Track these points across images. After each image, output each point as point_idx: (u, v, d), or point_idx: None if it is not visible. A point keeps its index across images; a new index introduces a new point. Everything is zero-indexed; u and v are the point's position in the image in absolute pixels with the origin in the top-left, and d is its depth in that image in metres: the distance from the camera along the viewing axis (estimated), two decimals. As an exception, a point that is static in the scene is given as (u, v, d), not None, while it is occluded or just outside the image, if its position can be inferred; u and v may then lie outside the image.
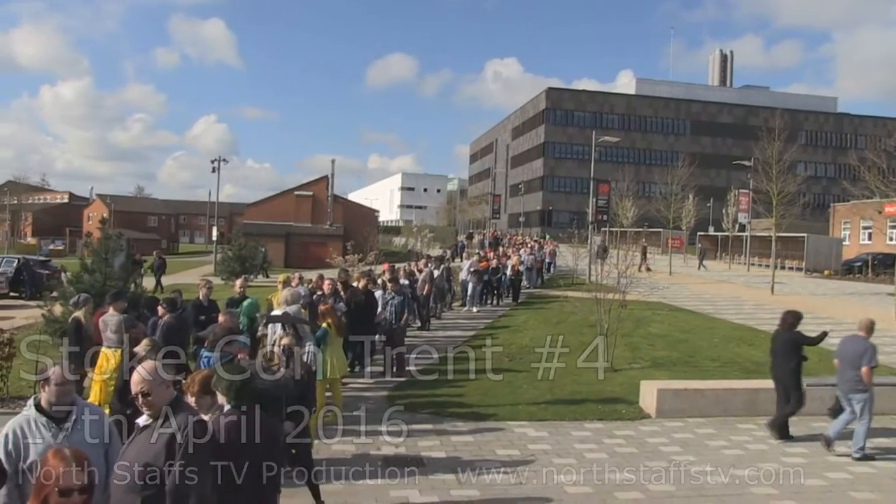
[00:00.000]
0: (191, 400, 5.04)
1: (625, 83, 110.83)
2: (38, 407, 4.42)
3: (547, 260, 36.14)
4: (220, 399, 4.69)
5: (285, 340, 7.19)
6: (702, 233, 57.87)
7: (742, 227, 49.54)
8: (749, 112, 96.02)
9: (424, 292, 19.26)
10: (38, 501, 2.90)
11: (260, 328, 10.49)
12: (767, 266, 39.88)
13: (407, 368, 14.01)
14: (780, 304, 26.08)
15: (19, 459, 4.27)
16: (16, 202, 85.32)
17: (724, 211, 53.31)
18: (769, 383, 12.20)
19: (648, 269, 39.24)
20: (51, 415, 4.38)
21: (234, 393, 4.58)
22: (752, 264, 46.22)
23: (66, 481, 2.88)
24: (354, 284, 14.51)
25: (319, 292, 13.44)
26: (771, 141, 30.56)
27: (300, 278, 14.54)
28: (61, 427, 4.37)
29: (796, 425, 10.98)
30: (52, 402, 4.38)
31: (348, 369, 13.65)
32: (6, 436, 4.33)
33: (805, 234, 43.83)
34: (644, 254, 41.75)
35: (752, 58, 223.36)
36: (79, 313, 10.05)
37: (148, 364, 4.26)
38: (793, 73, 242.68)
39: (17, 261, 29.54)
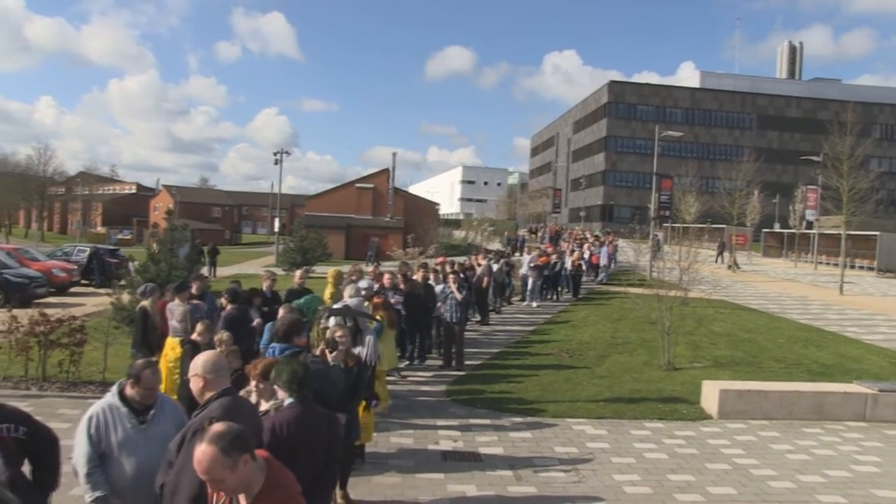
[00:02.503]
0: (252, 384, 5.15)
1: (687, 76, 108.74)
2: (121, 397, 4.56)
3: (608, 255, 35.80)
4: (280, 393, 4.74)
5: (338, 333, 7.24)
6: (767, 230, 56.56)
7: (809, 225, 48.26)
8: (818, 105, 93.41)
9: (483, 285, 19.24)
10: None
11: (322, 321, 10.60)
12: (836, 265, 38.80)
13: (466, 362, 14.02)
14: (849, 304, 25.42)
15: (100, 443, 4.46)
16: (87, 192, 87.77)
17: (790, 207, 52.03)
18: (837, 386, 11.94)
19: (732, 267, 38.49)
20: (133, 407, 4.54)
21: (295, 385, 4.62)
22: (820, 263, 44.97)
23: None
24: (414, 277, 14.55)
25: (378, 285, 13.52)
26: (842, 135, 29.69)
27: (360, 271, 14.63)
28: (141, 420, 4.52)
29: (867, 432, 10.70)
30: (137, 401, 4.55)
31: (406, 362, 13.80)
32: (92, 418, 4.50)
33: (877, 233, 42.37)
34: (723, 250, 40.91)
35: (821, 48, 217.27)
36: (145, 302, 10.30)
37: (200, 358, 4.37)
38: (864, 64, 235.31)
39: (88, 250, 30.41)
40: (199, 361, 4.29)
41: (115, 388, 4.65)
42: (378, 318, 10.23)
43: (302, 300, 11.83)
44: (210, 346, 8.11)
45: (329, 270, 13.33)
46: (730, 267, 38.63)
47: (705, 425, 10.77)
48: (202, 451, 2.92)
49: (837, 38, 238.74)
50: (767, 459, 9.19)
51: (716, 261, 38.37)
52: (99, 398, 10.37)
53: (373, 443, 8.57)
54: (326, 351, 6.94)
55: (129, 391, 4.55)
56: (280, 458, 3.45)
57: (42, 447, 4.28)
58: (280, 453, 4.20)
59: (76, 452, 4.47)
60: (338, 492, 6.79)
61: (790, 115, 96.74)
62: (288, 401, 4.67)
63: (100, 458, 4.45)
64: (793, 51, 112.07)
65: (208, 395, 4.17)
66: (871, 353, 16.55)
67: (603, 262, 30.34)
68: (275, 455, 3.45)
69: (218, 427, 3.03)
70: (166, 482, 3.90)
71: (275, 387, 4.79)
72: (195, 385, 4.25)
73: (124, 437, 4.44)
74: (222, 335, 7.85)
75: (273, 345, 6.63)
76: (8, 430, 4.11)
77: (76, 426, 8.82)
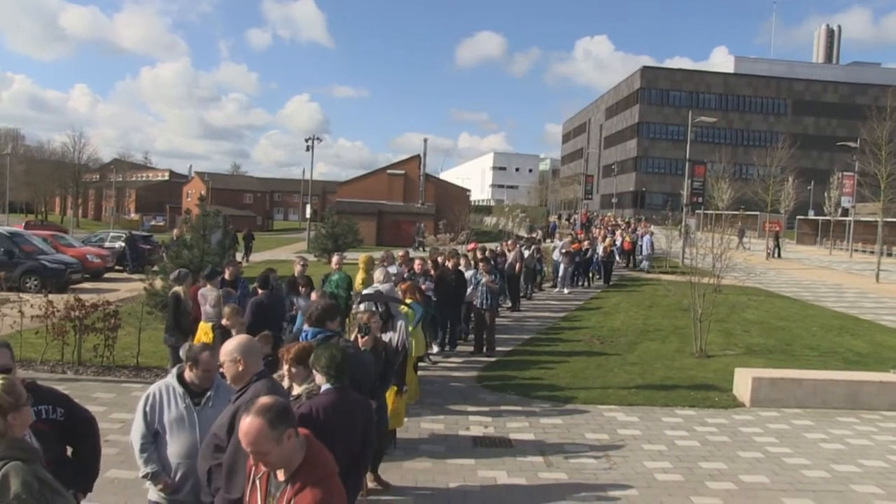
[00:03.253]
0: (285, 368, 5.17)
1: (721, 61, 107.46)
2: (180, 378, 4.66)
3: (639, 242, 35.57)
4: (318, 378, 4.74)
5: (364, 318, 7.25)
6: (801, 217, 55.79)
7: (845, 212, 47.50)
8: (856, 90, 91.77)
9: (515, 272, 19.19)
10: None
11: (354, 306, 10.64)
12: (872, 252, 38.19)
13: (496, 349, 14.01)
14: (885, 292, 25.02)
15: (154, 421, 4.57)
16: (121, 179, 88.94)
17: (825, 194, 51.24)
18: (873, 376, 11.77)
19: (771, 253, 38.16)
20: (190, 389, 4.64)
21: (333, 370, 4.62)
22: (856, 250, 44.30)
23: None
24: (445, 264, 14.55)
25: (408, 271, 13.53)
26: (881, 120, 29.14)
27: (391, 256, 14.64)
28: (196, 401, 4.62)
29: (903, 420, 10.54)
30: (196, 383, 4.64)
31: (437, 348, 13.82)
32: (148, 397, 4.63)
33: (916, 220, 41.62)
34: (742, 237, 40.46)
35: (861, 31, 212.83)
36: (178, 288, 10.40)
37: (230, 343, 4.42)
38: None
39: (124, 236, 30.78)
40: (234, 345, 4.33)
41: (174, 371, 4.76)
42: (408, 302, 10.21)
43: (335, 276, 11.97)
44: (238, 330, 8.21)
45: (360, 256, 13.36)
46: (769, 255, 38.27)
47: (738, 413, 10.67)
48: (249, 423, 2.96)
49: (877, 20, 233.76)
50: (801, 448, 9.09)
51: (768, 256, 38.16)
52: (132, 382, 10.59)
53: (404, 428, 8.60)
54: (359, 336, 6.95)
55: (187, 374, 4.65)
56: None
57: (81, 429, 4.34)
58: (320, 439, 4.21)
59: (133, 428, 4.63)
60: (369, 475, 6.83)
61: (827, 100, 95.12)
62: (325, 386, 4.67)
63: (154, 436, 4.57)
64: (830, 34, 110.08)
65: (248, 377, 4.22)
66: (909, 342, 16.27)
67: (646, 250, 30.05)
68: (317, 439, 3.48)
69: (265, 400, 3.06)
70: (223, 462, 3.96)
71: (313, 371, 4.80)
72: (231, 369, 4.29)
73: (177, 416, 4.55)
74: (226, 309, 7.99)
75: (306, 328, 6.65)
76: (46, 412, 4.16)
77: (111, 409, 9.00)
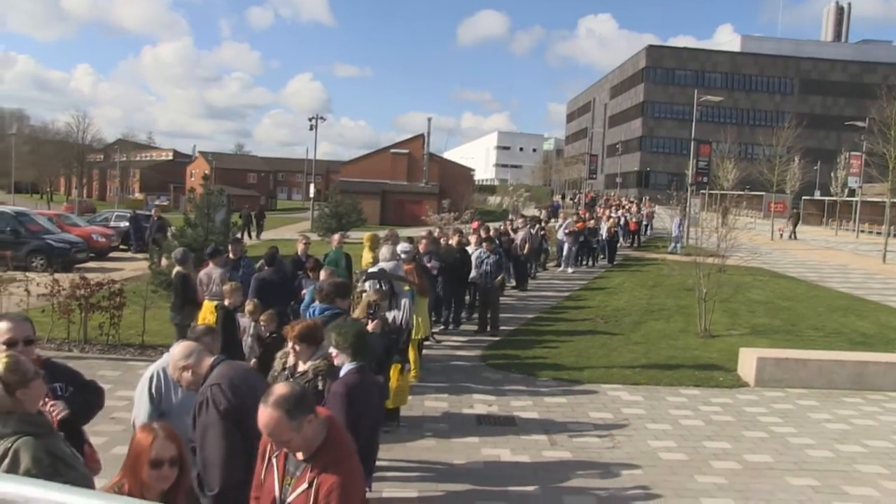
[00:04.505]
0: (289, 345, 5.15)
1: (726, 40, 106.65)
2: None
3: (644, 222, 35.46)
4: (340, 356, 4.67)
5: (372, 297, 7.25)
6: (807, 197, 55.57)
7: (852, 192, 47.29)
8: (865, 69, 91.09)
9: (525, 251, 19.14)
10: (131, 475, 3.00)
11: (358, 285, 10.63)
12: (879, 233, 38.00)
13: (501, 327, 14.02)
14: (891, 273, 24.94)
15: (160, 402, 4.55)
16: (125, 159, 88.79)
17: (832, 174, 51.01)
18: (878, 356, 11.76)
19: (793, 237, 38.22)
20: None
21: (360, 349, 4.58)
22: (862, 231, 44.16)
23: (157, 454, 2.97)
24: (450, 243, 14.52)
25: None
26: (890, 99, 28.90)
27: (396, 235, 14.60)
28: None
29: (908, 400, 10.53)
30: None
31: (441, 327, 13.82)
32: (153, 378, 4.59)
33: (923, 200, 41.41)
34: (795, 222, 40.55)
35: (871, 7, 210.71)
36: (181, 268, 10.39)
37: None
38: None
39: (129, 214, 30.72)
40: (176, 355, 4.18)
41: None
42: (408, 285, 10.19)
43: (330, 253, 12.04)
44: (240, 307, 8.22)
45: (365, 234, 13.31)
46: (787, 236, 38.46)
47: (742, 393, 10.67)
48: (268, 415, 2.96)
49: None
50: (805, 428, 9.09)
51: (785, 236, 38.39)
52: (138, 360, 10.61)
53: (408, 406, 8.61)
54: (369, 319, 6.92)
55: None
56: (347, 424, 3.49)
57: (88, 395, 4.34)
58: (348, 417, 4.17)
59: (137, 409, 4.59)
60: None
61: (835, 79, 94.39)
62: (349, 365, 4.62)
63: (159, 417, 4.51)
64: (840, 11, 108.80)
65: (202, 376, 4.08)
66: (914, 323, 16.24)
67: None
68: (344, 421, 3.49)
69: (281, 390, 3.05)
70: (197, 464, 3.90)
71: (333, 349, 4.74)
72: (186, 378, 4.12)
73: (183, 397, 4.48)
74: (250, 305, 7.98)
75: (314, 305, 6.64)
76: (62, 389, 4.18)
77: (116, 387, 9.02)
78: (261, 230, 38.04)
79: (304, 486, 3.05)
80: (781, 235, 38.82)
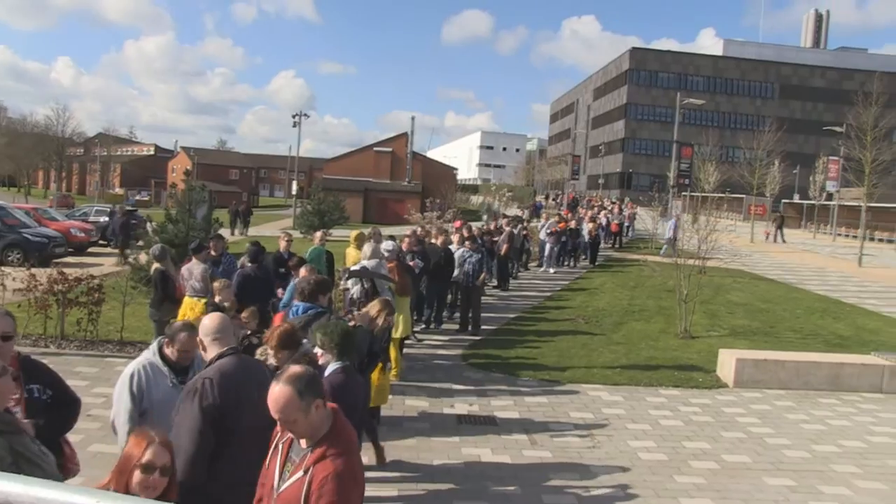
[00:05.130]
0: (270, 353, 5.12)
1: (708, 43, 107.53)
2: (161, 355, 4.58)
3: (626, 223, 35.55)
4: (324, 357, 4.64)
5: (374, 311, 7.22)
6: (786, 200, 56.00)
7: (830, 196, 47.73)
8: (843, 75, 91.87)
9: (503, 252, 19.15)
10: (119, 478, 2.96)
11: (341, 283, 10.62)
12: (855, 237, 38.36)
13: (482, 327, 14.03)
14: (868, 276, 25.22)
15: (142, 400, 4.47)
16: (105, 154, 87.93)
17: (810, 178, 51.41)
18: (854, 358, 11.88)
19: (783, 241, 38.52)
20: (173, 366, 4.56)
21: (346, 348, 4.56)
22: (839, 235, 44.60)
23: (150, 458, 2.94)
24: (433, 241, 14.52)
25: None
26: (867, 106, 29.22)
27: (378, 233, 14.59)
28: (181, 379, 4.52)
29: (883, 403, 10.65)
30: (174, 361, 4.56)
31: (423, 325, 13.81)
32: (133, 375, 4.51)
33: (899, 205, 41.87)
34: (780, 225, 40.81)
35: (847, 16, 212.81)
36: (159, 264, 10.32)
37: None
38: (891, 32, 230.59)
39: (109, 209, 30.48)
40: (201, 326, 4.21)
41: (154, 346, 4.67)
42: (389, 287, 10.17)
43: (311, 251, 12.00)
44: (230, 304, 8.16)
45: (352, 233, 13.25)
46: (768, 238, 38.81)
47: (721, 394, 10.75)
48: (279, 390, 2.96)
49: (863, 5, 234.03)
50: (783, 429, 9.18)
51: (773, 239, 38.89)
52: (116, 357, 10.52)
53: (388, 406, 8.61)
54: (352, 315, 6.91)
55: (167, 350, 4.57)
56: None
57: (64, 411, 4.26)
58: None
59: (117, 408, 4.49)
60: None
61: (814, 84, 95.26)
62: (335, 365, 4.61)
63: (140, 416, 4.46)
64: (819, 19, 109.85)
65: (208, 357, 4.11)
66: (890, 326, 16.42)
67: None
68: None
69: (295, 369, 3.07)
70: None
71: (319, 349, 4.72)
72: (199, 350, 4.21)
73: (165, 395, 4.43)
74: (216, 284, 7.93)
75: (296, 303, 6.61)
76: (39, 391, 4.11)
77: (94, 384, 8.93)
78: (247, 226, 38.90)
79: (300, 473, 3.04)
80: (767, 238, 39.13)
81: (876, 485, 7.41)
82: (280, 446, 3.23)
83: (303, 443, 3.09)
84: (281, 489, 3.11)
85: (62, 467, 4.03)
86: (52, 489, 1.56)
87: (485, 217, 36.28)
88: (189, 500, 3.67)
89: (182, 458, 3.72)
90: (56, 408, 4.14)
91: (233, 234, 35.09)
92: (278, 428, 3.22)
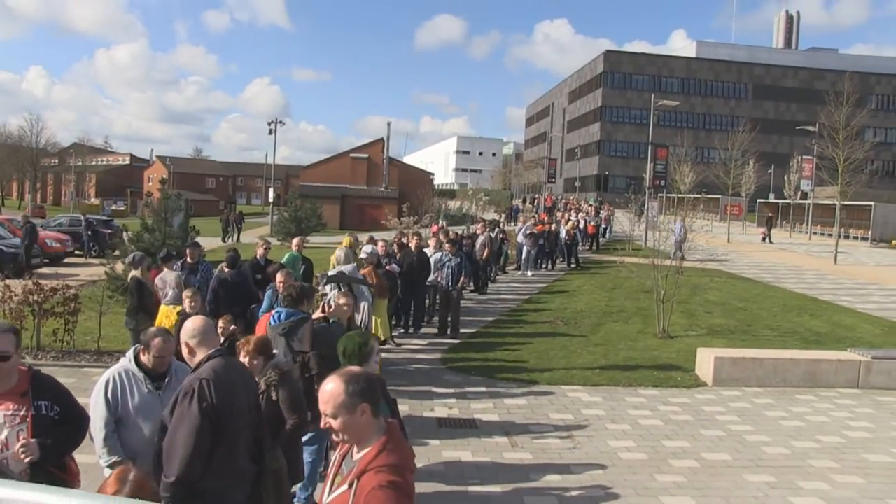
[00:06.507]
0: (244, 359, 5.10)
1: (680, 45, 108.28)
2: (137, 362, 4.54)
3: (602, 226, 35.73)
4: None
5: (341, 300, 7.21)
6: (762, 200, 56.54)
7: (804, 195, 48.23)
8: (815, 75, 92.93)
9: (483, 256, 19.14)
10: None
11: (319, 288, 10.58)
12: (830, 235, 38.80)
13: (461, 330, 14.02)
14: (843, 274, 25.50)
15: (117, 407, 4.42)
16: (80, 164, 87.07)
17: (785, 178, 51.97)
18: (830, 354, 12.00)
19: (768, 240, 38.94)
20: (149, 373, 4.51)
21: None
22: (815, 233, 45.06)
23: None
24: (409, 245, 14.51)
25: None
26: (838, 105, 29.59)
27: (356, 239, 14.56)
28: (157, 385, 4.49)
29: (860, 399, 10.77)
30: (150, 367, 4.51)
31: (401, 330, 13.79)
32: (109, 382, 4.46)
33: (872, 203, 42.34)
34: (769, 225, 41.20)
35: (815, 17, 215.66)
36: (136, 272, 10.25)
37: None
38: (857, 33, 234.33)
39: (82, 221, 30.18)
40: (183, 329, 4.21)
41: (130, 353, 4.62)
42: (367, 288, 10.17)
43: (286, 257, 11.97)
44: (200, 312, 8.11)
45: (344, 239, 13.09)
46: (763, 239, 39.32)
47: (700, 392, 10.81)
48: (331, 381, 2.92)
49: (830, 7, 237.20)
50: (761, 426, 9.24)
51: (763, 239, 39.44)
52: (93, 367, 10.41)
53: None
54: (323, 307, 6.92)
55: (142, 357, 4.52)
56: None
57: (72, 428, 4.17)
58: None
59: (93, 416, 4.42)
60: None
61: (787, 84, 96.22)
62: None
63: (116, 423, 4.41)
64: (790, 20, 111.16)
65: (196, 359, 4.11)
66: (865, 322, 16.61)
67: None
68: None
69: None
70: (163, 444, 3.90)
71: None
72: (183, 353, 4.19)
73: (141, 401, 4.41)
74: (187, 292, 7.89)
75: (279, 309, 6.59)
76: (46, 408, 4.03)
77: (74, 394, 8.81)
78: (239, 233, 39.81)
79: (345, 487, 2.93)
80: (763, 239, 39.65)
81: (853, 479, 7.49)
82: (338, 458, 3.15)
83: (355, 454, 3.00)
84: (327, 501, 3.03)
85: (66, 485, 3.97)
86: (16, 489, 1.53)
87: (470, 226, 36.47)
88: (183, 498, 3.71)
89: (181, 457, 3.76)
90: (63, 424, 4.07)
91: (225, 241, 35.51)
92: (334, 438, 3.11)
